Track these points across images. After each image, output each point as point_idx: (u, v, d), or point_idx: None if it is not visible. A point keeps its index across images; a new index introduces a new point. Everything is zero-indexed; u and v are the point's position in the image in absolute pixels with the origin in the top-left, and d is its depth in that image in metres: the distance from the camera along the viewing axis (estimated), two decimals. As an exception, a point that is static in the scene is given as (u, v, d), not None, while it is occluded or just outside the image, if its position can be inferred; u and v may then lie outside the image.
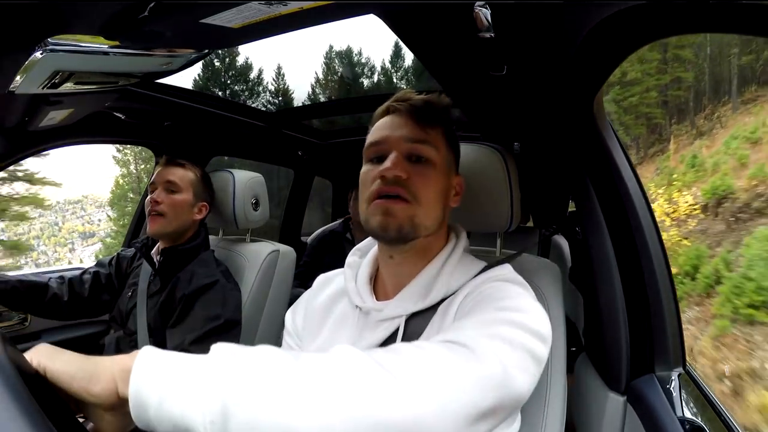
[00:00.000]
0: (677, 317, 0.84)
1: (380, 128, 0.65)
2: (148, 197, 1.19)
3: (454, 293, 0.62)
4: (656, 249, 0.83)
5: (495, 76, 0.72)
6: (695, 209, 9.05)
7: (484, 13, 0.50)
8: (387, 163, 0.61)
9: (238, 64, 16.47)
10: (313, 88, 17.26)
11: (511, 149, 1.13)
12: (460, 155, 0.73)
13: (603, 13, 0.52)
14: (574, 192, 0.94)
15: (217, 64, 16.17)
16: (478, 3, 0.49)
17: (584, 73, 0.70)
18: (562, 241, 2.10)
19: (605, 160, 0.85)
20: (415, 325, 0.62)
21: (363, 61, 17.83)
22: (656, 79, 15.14)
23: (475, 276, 0.64)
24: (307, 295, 0.77)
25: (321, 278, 0.79)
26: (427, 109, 0.65)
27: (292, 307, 0.78)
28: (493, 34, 0.54)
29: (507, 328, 0.48)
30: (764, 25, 0.45)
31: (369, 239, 0.75)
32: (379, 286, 0.69)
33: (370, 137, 0.66)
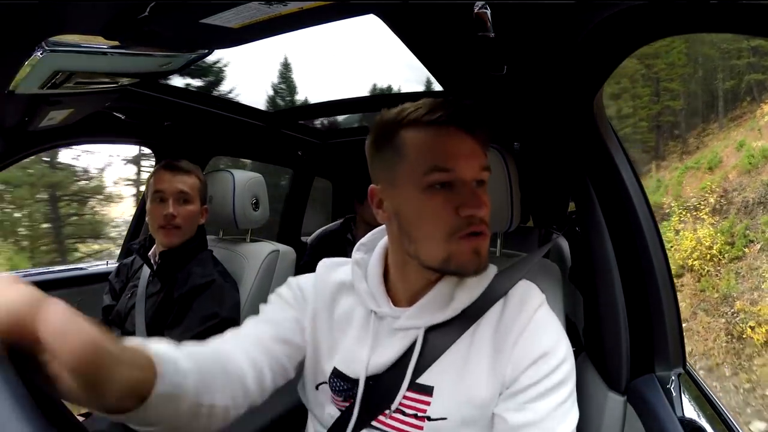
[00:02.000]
0: (677, 317, 0.84)
1: (447, 151, 0.57)
2: (163, 210, 1.13)
3: (478, 306, 0.61)
4: (656, 249, 0.83)
5: (495, 76, 0.72)
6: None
7: (485, 13, 0.50)
8: (474, 202, 0.56)
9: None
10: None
11: (511, 149, 1.13)
12: None
13: (603, 13, 0.52)
14: (574, 192, 0.94)
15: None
16: (478, 3, 0.49)
17: (584, 72, 0.70)
18: (562, 241, 2.10)
19: (605, 160, 0.85)
20: (436, 339, 0.60)
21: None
22: (648, 110, 16.76)
23: (493, 284, 0.63)
24: (317, 277, 0.72)
25: (325, 264, 0.74)
26: (486, 125, 0.60)
27: (306, 276, 0.73)
28: (493, 34, 0.54)
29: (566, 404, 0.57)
30: (764, 25, 0.45)
31: (371, 233, 0.71)
32: (392, 288, 0.65)
33: (434, 159, 0.56)
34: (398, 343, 0.62)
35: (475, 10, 0.49)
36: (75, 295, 1.55)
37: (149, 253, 1.21)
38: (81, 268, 1.65)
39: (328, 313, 0.68)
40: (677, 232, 10.80)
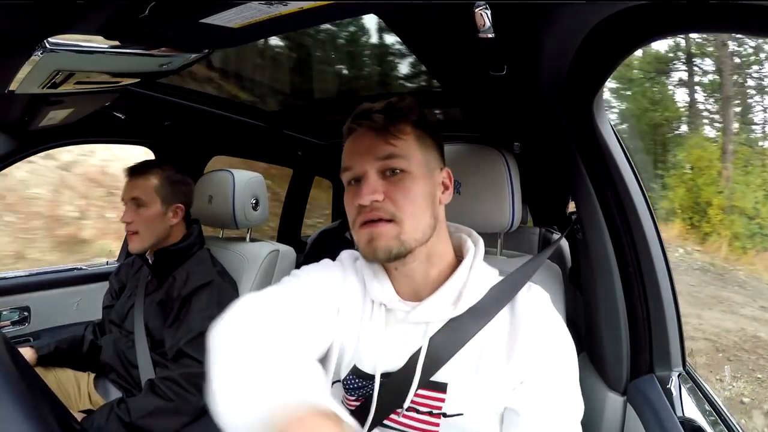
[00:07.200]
0: (677, 317, 0.84)
1: (348, 151, 0.65)
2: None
3: (485, 304, 0.63)
4: (656, 249, 0.83)
5: (495, 76, 0.72)
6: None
7: (485, 14, 0.50)
8: (361, 190, 0.60)
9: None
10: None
11: (511, 149, 1.13)
12: (442, 147, 0.69)
13: (603, 13, 0.52)
14: (574, 192, 0.94)
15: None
16: (478, 3, 0.49)
17: (584, 73, 0.70)
18: (562, 241, 2.10)
19: (605, 160, 0.85)
20: (447, 336, 0.61)
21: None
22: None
23: (499, 285, 0.64)
24: (345, 270, 0.71)
25: (351, 255, 0.74)
26: (388, 119, 0.62)
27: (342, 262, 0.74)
28: (493, 34, 0.54)
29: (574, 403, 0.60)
30: (764, 25, 0.45)
31: None
32: (396, 283, 0.67)
33: (343, 161, 0.65)
34: (408, 337, 0.63)
35: (475, 10, 0.49)
36: (75, 294, 1.55)
37: (146, 254, 1.21)
38: (81, 268, 1.65)
39: (358, 305, 0.68)
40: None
